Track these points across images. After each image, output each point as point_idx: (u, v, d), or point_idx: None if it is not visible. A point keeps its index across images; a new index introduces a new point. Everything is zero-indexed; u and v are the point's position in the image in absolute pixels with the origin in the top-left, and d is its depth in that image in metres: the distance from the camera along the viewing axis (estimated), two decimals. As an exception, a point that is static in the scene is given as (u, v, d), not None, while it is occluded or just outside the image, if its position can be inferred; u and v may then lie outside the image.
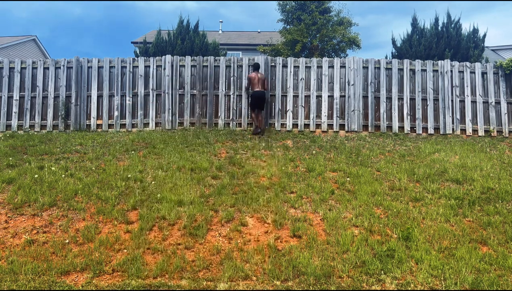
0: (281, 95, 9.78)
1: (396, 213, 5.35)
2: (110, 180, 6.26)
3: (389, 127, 9.66)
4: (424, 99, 9.73)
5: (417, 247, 4.56)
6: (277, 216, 5.22)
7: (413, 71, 9.83)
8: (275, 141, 8.57)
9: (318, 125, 9.72)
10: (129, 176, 6.41)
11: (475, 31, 13.33)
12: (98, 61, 10.04)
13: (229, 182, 6.25)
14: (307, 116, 9.74)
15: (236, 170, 6.74)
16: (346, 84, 9.76)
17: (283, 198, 5.73)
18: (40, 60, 10.22)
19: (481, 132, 9.55)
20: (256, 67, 9.33)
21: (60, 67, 10.01)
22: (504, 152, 8.02)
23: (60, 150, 7.77)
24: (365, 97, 9.75)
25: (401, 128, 9.63)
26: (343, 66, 9.85)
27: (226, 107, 9.85)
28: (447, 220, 5.22)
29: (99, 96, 9.93)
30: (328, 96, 9.77)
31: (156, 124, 9.82)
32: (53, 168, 6.71)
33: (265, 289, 3.95)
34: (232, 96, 9.83)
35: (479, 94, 9.68)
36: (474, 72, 9.79)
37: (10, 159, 7.13)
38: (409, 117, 9.65)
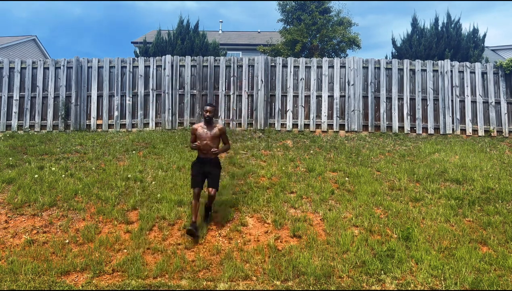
0: (281, 95, 9.78)
1: (396, 213, 5.35)
2: (110, 180, 6.26)
3: (389, 127, 9.66)
4: (424, 99, 9.73)
5: (417, 247, 4.56)
6: (277, 216, 5.22)
7: (413, 71, 9.82)
8: (275, 141, 8.57)
9: (318, 125, 9.72)
10: (129, 176, 6.41)
11: (475, 31, 13.33)
12: (98, 61, 10.04)
13: (229, 182, 6.25)
14: (307, 116, 9.73)
15: (236, 170, 6.74)
16: (346, 84, 9.76)
17: (283, 198, 5.73)
18: (40, 60, 10.22)
19: (481, 132, 9.55)
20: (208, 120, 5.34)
21: (60, 67, 10.00)
22: (504, 152, 8.02)
23: (60, 150, 7.77)
24: (365, 97, 9.74)
25: (401, 128, 9.63)
26: (343, 66, 9.85)
27: (226, 107, 9.85)
28: (447, 220, 5.22)
29: (99, 96, 9.93)
30: (328, 96, 9.76)
31: (156, 124, 9.82)
32: (53, 168, 6.71)
33: (265, 289, 3.95)
34: (232, 96, 9.83)
35: (479, 94, 9.68)
36: (474, 72, 9.79)
37: (10, 159, 7.13)
38: (409, 117, 9.65)
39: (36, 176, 6.34)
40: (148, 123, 9.83)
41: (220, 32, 24.66)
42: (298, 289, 3.92)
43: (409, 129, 9.61)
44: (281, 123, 9.70)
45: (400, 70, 9.82)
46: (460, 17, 14.21)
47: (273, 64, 9.92)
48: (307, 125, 9.70)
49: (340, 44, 16.13)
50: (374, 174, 6.70)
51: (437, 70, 9.80)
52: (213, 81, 9.89)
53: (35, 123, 9.88)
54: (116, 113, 9.84)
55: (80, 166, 6.88)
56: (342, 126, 9.69)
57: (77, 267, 4.25)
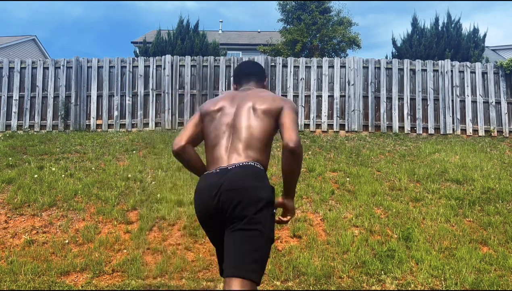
0: (281, 95, 9.77)
1: (396, 213, 5.34)
2: (110, 180, 6.25)
3: (389, 127, 9.65)
4: (425, 99, 9.73)
5: (417, 247, 4.56)
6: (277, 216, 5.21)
7: (413, 71, 9.82)
8: (275, 141, 8.56)
9: (318, 125, 9.71)
10: (129, 176, 6.40)
11: (475, 31, 13.32)
12: (98, 61, 10.03)
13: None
14: (307, 116, 9.73)
15: (236, 170, 6.72)
16: (346, 84, 9.75)
17: (283, 198, 5.72)
18: (39, 60, 10.21)
19: (481, 132, 9.55)
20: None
21: (59, 67, 9.99)
22: (505, 152, 8.01)
23: (59, 150, 7.76)
24: (365, 97, 9.74)
25: (401, 128, 9.62)
26: (343, 66, 9.84)
27: (226, 107, 9.84)
28: (448, 220, 5.21)
29: (99, 96, 9.92)
30: (328, 96, 9.76)
31: (156, 124, 9.81)
32: (52, 168, 6.70)
33: (265, 289, 3.94)
34: (232, 96, 9.82)
35: (480, 94, 9.67)
36: (475, 72, 9.78)
37: (10, 159, 7.12)
38: (409, 117, 9.64)
39: (35, 176, 6.33)
40: (148, 123, 9.82)
41: (220, 32, 24.65)
42: (298, 289, 3.92)
43: (409, 129, 9.60)
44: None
45: (400, 70, 9.81)
46: (460, 17, 14.20)
47: (273, 64, 9.91)
48: (307, 125, 9.69)
49: (340, 44, 16.13)
50: (374, 174, 6.69)
51: (437, 70, 9.80)
52: (213, 81, 9.88)
53: (34, 123, 9.87)
54: (116, 113, 9.83)
55: (80, 166, 6.88)
56: (342, 126, 9.69)
57: (77, 267, 4.24)
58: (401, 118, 9.67)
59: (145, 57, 10.26)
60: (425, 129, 9.65)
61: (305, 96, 9.75)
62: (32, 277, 4.09)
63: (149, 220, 5.12)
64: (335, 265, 4.26)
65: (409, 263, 4.29)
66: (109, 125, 9.84)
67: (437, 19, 13.55)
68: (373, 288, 3.93)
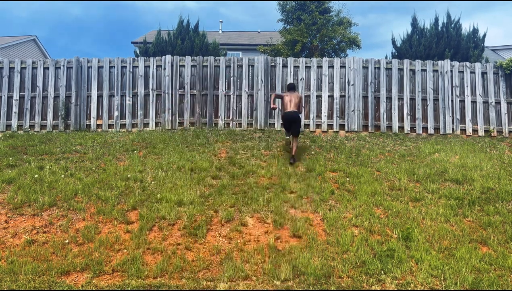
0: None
1: (396, 213, 5.35)
2: (110, 180, 6.26)
3: (389, 127, 9.66)
4: (424, 99, 9.73)
5: (417, 247, 4.56)
6: (277, 216, 5.22)
7: (413, 71, 9.82)
8: (275, 141, 8.57)
9: (318, 125, 9.72)
10: (129, 176, 6.41)
11: (475, 31, 13.33)
12: (98, 61, 10.04)
13: (229, 182, 6.25)
14: (307, 116, 9.73)
15: (236, 170, 6.74)
16: (346, 84, 9.76)
17: (283, 198, 5.73)
18: (40, 60, 10.22)
19: (481, 132, 9.55)
20: (291, 87, 7.93)
21: (60, 67, 10.00)
22: (504, 152, 8.02)
23: (60, 150, 7.77)
24: (365, 97, 9.75)
25: (401, 128, 9.63)
26: (343, 66, 9.85)
27: (226, 107, 9.86)
28: (447, 220, 5.22)
29: (99, 96, 9.93)
30: (328, 96, 9.77)
31: (156, 124, 9.82)
32: (53, 168, 6.71)
33: (265, 289, 3.95)
34: (232, 96, 9.83)
35: (479, 94, 9.68)
36: (474, 72, 9.79)
37: (10, 159, 7.13)
38: (409, 117, 9.65)
39: (36, 176, 6.34)
40: (148, 123, 9.83)
41: (220, 32, 24.66)
42: (298, 289, 3.92)
43: (409, 129, 9.61)
44: (281, 123, 9.69)
45: (400, 70, 9.82)
46: (460, 17, 14.24)
47: (273, 64, 9.92)
48: (307, 125, 9.70)
49: (340, 44, 16.13)
50: (374, 174, 6.70)
51: (437, 70, 9.80)
52: (213, 81, 9.89)
53: (35, 123, 9.88)
54: (116, 113, 9.84)
55: (80, 166, 6.89)
56: (342, 126, 9.69)
57: (77, 267, 4.25)
58: (401, 118, 9.68)
59: (145, 57, 10.27)
60: (425, 129, 9.65)
61: (305, 96, 9.76)
62: (32, 276, 4.09)
63: (149, 220, 5.13)
64: (335, 264, 4.26)
65: (408, 263, 4.30)
66: (109, 125, 9.85)
67: (436, 19, 13.57)
68: (373, 287, 3.94)
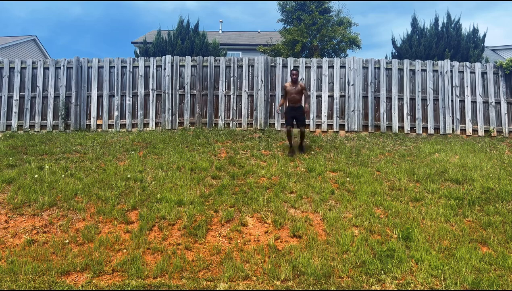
0: (281, 95, 9.77)
1: (396, 213, 5.35)
2: (110, 180, 6.26)
3: (389, 127, 9.66)
4: (424, 99, 9.73)
5: (417, 247, 4.56)
6: (277, 216, 5.22)
7: (413, 71, 9.82)
8: (275, 141, 8.57)
9: (318, 125, 9.72)
10: (129, 176, 6.41)
11: (475, 31, 13.33)
12: (98, 61, 10.04)
13: (229, 182, 6.25)
14: (307, 116, 9.73)
15: (236, 170, 6.74)
16: (346, 84, 9.76)
17: (283, 198, 5.73)
18: (40, 60, 10.23)
19: (481, 132, 9.55)
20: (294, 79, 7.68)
21: (60, 67, 10.00)
22: (504, 152, 8.02)
23: (60, 150, 7.77)
24: (365, 97, 9.75)
25: (401, 128, 9.63)
26: (343, 66, 9.85)
27: (226, 107, 9.86)
28: (447, 220, 5.22)
29: (99, 96, 9.93)
30: (328, 96, 9.77)
31: (156, 124, 9.82)
32: (53, 168, 6.71)
33: (265, 289, 3.95)
34: (232, 96, 9.84)
35: (479, 94, 9.68)
36: (474, 72, 9.79)
37: (10, 159, 7.13)
38: (409, 117, 9.65)
39: (36, 176, 6.34)
40: (148, 123, 9.83)
41: (220, 32, 24.66)
42: (298, 289, 3.93)
43: (409, 129, 9.61)
44: (281, 123, 9.70)
45: (400, 70, 9.82)
46: (460, 17, 14.22)
47: (273, 64, 9.92)
48: (307, 125, 9.69)
49: (340, 44, 16.14)
50: (374, 174, 6.70)
51: (437, 70, 9.81)
52: (213, 81, 9.89)
53: (35, 123, 9.88)
54: (116, 113, 9.84)
55: (80, 166, 6.89)
56: (342, 126, 9.70)
57: (77, 267, 4.25)
58: (401, 118, 9.68)
59: (145, 58, 10.28)
60: (425, 129, 9.66)
61: (305, 96, 9.75)
62: (32, 276, 4.09)
63: (149, 220, 5.13)
64: (335, 264, 4.26)
65: (408, 262, 4.30)
66: (110, 125, 9.85)
67: (436, 19, 13.57)
68: (373, 288, 3.94)
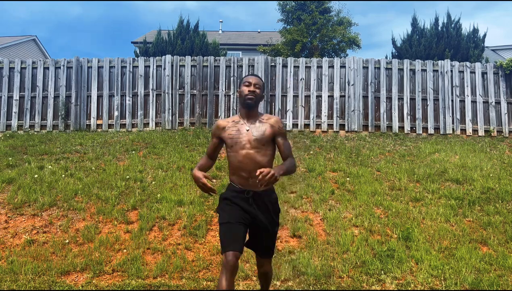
0: (281, 95, 9.77)
1: (396, 213, 5.35)
2: (110, 180, 6.25)
3: (389, 127, 9.66)
4: (424, 99, 9.73)
5: (417, 247, 4.56)
6: (277, 216, 5.22)
7: (413, 71, 9.82)
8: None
9: (318, 125, 9.72)
10: (129, 176, 6.41)
11: (475, 31, 13.32)
12: (98, 61, 10.04)
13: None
14: (307, 116, 9.73)
15: (236, 170, 6.73)
16: (346, 84, 9.76)
17: (283, 198, 5.73)
18: (40, 60, 10.22)
19: (481, 132, 9.55)
20: (249, 105, 3.35)
21: (60, 67, 10.00)
22: (504, 152, 8.02)
23: (60, 150, 7.77)
24: (365, 97, 9.74)
25: (401, 128, 9.63)
26: (343, 66, 9.85)
27: (226, 107, 9.85)
28: (447, 220, 5.22)
29: (99, 96, 9.93)
30: (328, 96, 9.76)
31: (156, 124, 9.82)
32: (53, 168, 6.70)
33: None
34: (232, 96, 9.83)
35: (479, 94, 9.68)
36: (474, 72, 9.78)
37: (10, 159, 7.13)
38: (409, 117, 9.64)
39: (36, 176, 6.34)
40: (148, 123, 9.83)
41: (220, 32, 24.65)
42: (298, 289, 3.92)
43: (409, 129, 9.61)
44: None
45: (400, 70, 9.82)
46: (460, 17, 14.22)
47: (273, 64, 9.92)
48: (307, 125, 9.69)
49: (340, 44, 16.13)
50: (374, 174, 6.69)
51: (437, 70, 9.80)
52: (213, 81, 9.89)
53: (35, 123, 9.88)
54: (116, 113, 9.84)
55: (80, 166, 6.88)
56: (342, 126, 9.69)
57: (77, 267, 4.25)
58: (401, 118, 9.67)
59: (145, 57, 10.27)
60: (425, 129, 9.65)
61: (305, 96, 9.75)
62: (32, 276, 4.09)
63: (149, 220, 5.13)
64: (335, 265, 4.26)
65: (409, 263, 4.30)
66: (110, 125, 9.84)
67: (437, 19, 13.55)
68: (373, 288, 3.94)
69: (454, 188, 6.15)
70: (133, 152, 7.65)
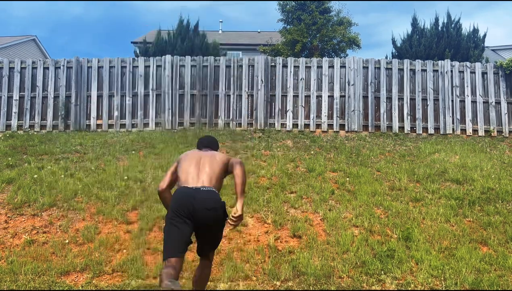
0: (281, 95, 9.77)
1: (396, 213, 5.35)
2: (110, 180, 6.25)
3: (389, 127, 9.65)
4: (424, 99, 9.73)
5: (417, 247, 4.56)
6: (277, 216, 5.22)
7: (413, 71, 9.82)
8: (275, 141, 8.56)
9: (318, 125, 9.71)
10: (129, 176, 6.40)
11: (475, 31, 13.32)
12: (98, 61, 10.03)
13: (228, 182, 6.24)
14: (307, 116, 9.73)
15: (236, 170, 6.73)
16: (346, 84, 9.76)
17: (283, 198, 5.73)
18: (40, 60, 10.22)
19: (481, 133, 9.55)
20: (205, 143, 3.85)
21: (60, 67, 9.99)
22: (504, 152, 8.02)
23: (60, 150, 7.76)
24: (365, 97, 9.74)
25: (401, 128, 9.62)
26: (343, 66, 9.85)
27: (226, 107, 9.85)
28: (447, 220, 5.22)
29: (99, 96, 9.92)
30: (328, 96, 9.76)
31: (156, 124, 9.81)
32: (53, 168, 6.70)
33: (265, 289, 3.95)
34: (232, 96, 9.83)
35: (479, 94, 9.67)
36: (474, 72, 9.78)
37: (10, 159, 7.12)
38: (409, 117, 9.64)
39: (36, 176, 6.33)
40: (148, 124, 9.82)
41: (220, 32, 24.64)
42: (298, 289, 3.92)
43: (409, 129, 9.60)
44: (281, 123, 9.69)
45: (400, 70, 9.81)
46: (460, 17, 14.23)
47: (273, 64, 9.91)
48: (307, 125, 9.69)
49: (340, 44, 16.12)
50: (374, 174, 6.69)
51: (437, 70, 9.80)
52: (213, 81, 9.88)
53: (35, 123, 9.87)
54: (116, 113, 9.83)
55: (80, 166, 6.88)
56: (342, 126, 9.69)
57: (77, 267, 4.25)
58: (401, 119, 9.67)
59: (145, 58, 10.27)
60: (425, 129, 9.65)
61: (305, 96, 9.75)
62: (32, 277, 4.09)
63: (149, 220, 5.13)
64: (335, 265, 4.26)
65: (409, 263, 4.30)
66: (109, 126, 9.84)
67: (437, 19, 13.56)
68: (373, 288, 3.94)
69: (454, 188, 6.15)
70: (133, 152, 7.64)
